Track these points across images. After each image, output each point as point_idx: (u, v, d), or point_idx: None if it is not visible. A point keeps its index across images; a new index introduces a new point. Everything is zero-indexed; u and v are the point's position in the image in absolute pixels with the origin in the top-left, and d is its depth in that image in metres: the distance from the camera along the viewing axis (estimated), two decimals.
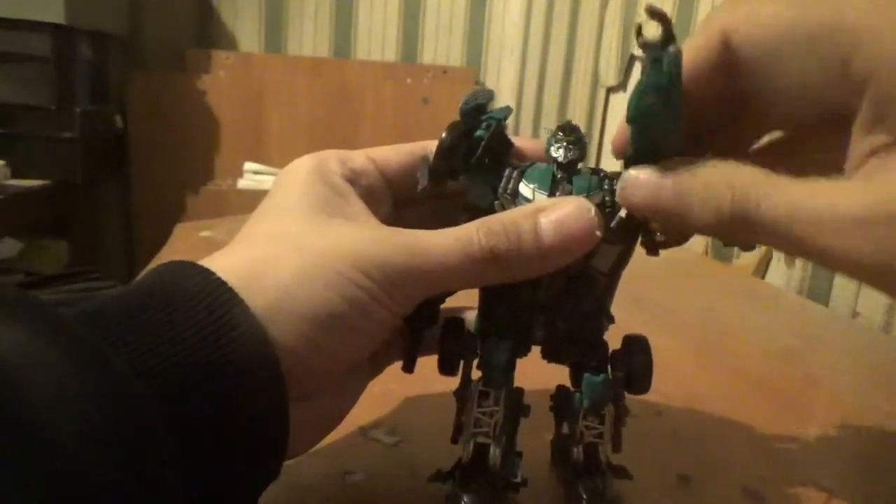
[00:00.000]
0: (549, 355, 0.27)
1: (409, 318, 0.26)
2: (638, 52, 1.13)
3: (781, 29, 0.23)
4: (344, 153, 0.28)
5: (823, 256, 0.22)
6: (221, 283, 0.22)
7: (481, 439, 0.25)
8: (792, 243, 0.22)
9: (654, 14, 0.22)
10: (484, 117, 0.25)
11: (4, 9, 1.26)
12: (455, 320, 0.27)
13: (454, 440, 0.26)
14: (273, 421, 0.22)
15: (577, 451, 0.27)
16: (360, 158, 0.28)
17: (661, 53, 0.22)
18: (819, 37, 0.22)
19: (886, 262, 0.21)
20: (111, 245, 1.78)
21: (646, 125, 0.23)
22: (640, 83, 0.22)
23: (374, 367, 0.29)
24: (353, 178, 0.27)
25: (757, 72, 0.24)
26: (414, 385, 0.31)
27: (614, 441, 0.26)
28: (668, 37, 0.22)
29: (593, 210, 0.24)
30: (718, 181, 0.23)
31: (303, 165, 0.27)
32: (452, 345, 0.27)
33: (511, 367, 0.26)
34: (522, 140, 0.28)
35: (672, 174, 0.23)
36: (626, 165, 0.25)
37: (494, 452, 0.25)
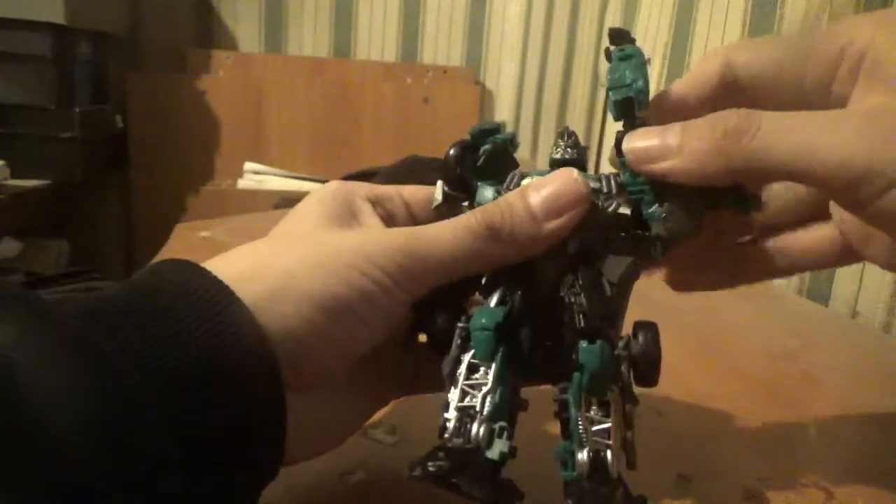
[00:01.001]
0: (557, 375, 0.26)
1: (414, 304, 0.26)
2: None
3: (775, 53, 0.27)
4: (375, 185, 0.30)
5: (815, 155, 0.23)
6: (218, 282, 0.22)
7: (465, 418, 0.23)
8: (788, 153, 0.23)
9: (614, 35, 0.28)
10: (489, 139, 0.28)
11: (4, 9, 1.26)
12: (454, 300, 0.27)
13: (441, 433, 0.24)
14: (270, 418, 0.22)
15: (582, 457, 0.23)
16: (387, 188, 0.30)
17: (624, 46, 0.27)
18: (817, 41, 0.27)
19: (872, 147, 0.23)
20: (111, 245, 1.78)
21: (623, 92, 0.26)
22: (610, 67, 0.27)
23: (378, 398, 0.29)
24: (376, 201, 0.29)
25: (752, 86, 0.27)
26: None
27: (627, 449, 0.24)
28: (628, 41, 0.27)
29: (576, 172, 0.25)
30: (723, 112, 0.25)
31: (328, 186, 0.29)
32: (444, 309, 0.26)
33: (503, 337, 0.24)
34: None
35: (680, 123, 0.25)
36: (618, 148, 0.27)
37: (479, 430, 0.23)
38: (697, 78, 0.28)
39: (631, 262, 0.26)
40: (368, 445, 0.32)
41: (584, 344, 0.24)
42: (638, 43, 0.27)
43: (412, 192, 0.30)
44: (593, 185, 0.26)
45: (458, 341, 0.25)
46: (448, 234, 0.25)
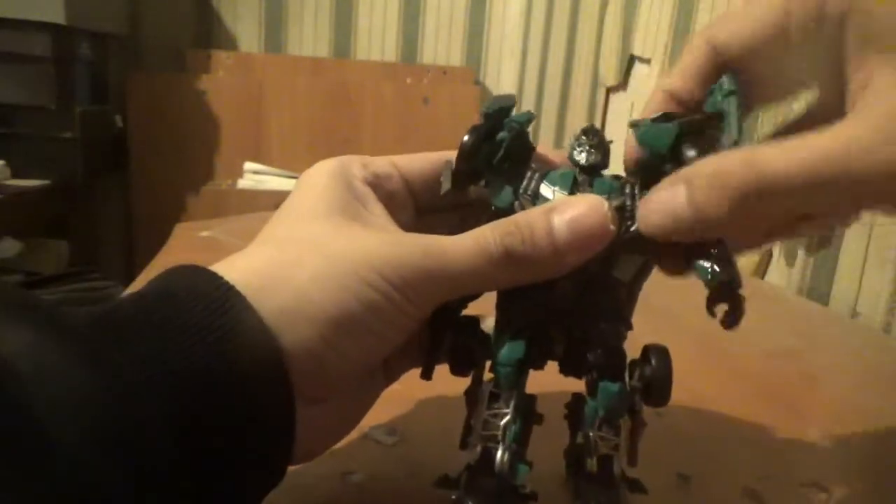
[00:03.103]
0: (567, 369, 0.27)
1: (430, 324, 0.26)
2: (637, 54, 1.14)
3: (756, 18, 0.26)
4: (368, 158, 0.28)
5: (829, 168, 0.21)
6: (229, 288, 0.22)
7: (489, 444, 0.25)
8: (803, 176, 0.21)
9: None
10: (506, 121, 0.26)
11: (4, 9, 1.26)
12: (470, 319, 0.27)
13: (463, 446, 0.25)
14: (278, 426, 0.22)
15: (591, 463, 0.26)
16: (383, 163, 0.28)
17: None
18: (792, 5, 0.25)
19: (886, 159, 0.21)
20: (111, 245, 1.78)
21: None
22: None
23: (388, 375, 0.29)
24: (375, 183, 0.28)
25: (746, 60, 0.26)
26: (414, 385, 0.31)
27: (630, 454, 0.26)
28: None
29: (606, 205, 0.24)
30: (730, 159, 0.23)
31: (325, 168, 0.27)
32: (465, 342, 0.26)
33: (524, 368, 0.25)
34: (546, 149, 0.28)
35: (682, 177, 0.23)
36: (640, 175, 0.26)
37: (502, 457, 0.24)
38: (688, 69, 0.27)
39: (643, 262, 0.25)
40: (368, 445, 0.32)
41: (605, 384, 0.25)
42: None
43: (408, 165, 0.29)
44: (616, 203, 0.24)
45: (478, 366, 0.26)
46: (464, 254, 0.24)
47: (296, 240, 0.25)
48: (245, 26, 1.78)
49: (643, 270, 0.25)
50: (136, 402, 0.19)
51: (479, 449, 0.25)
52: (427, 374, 0.27)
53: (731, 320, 0.23)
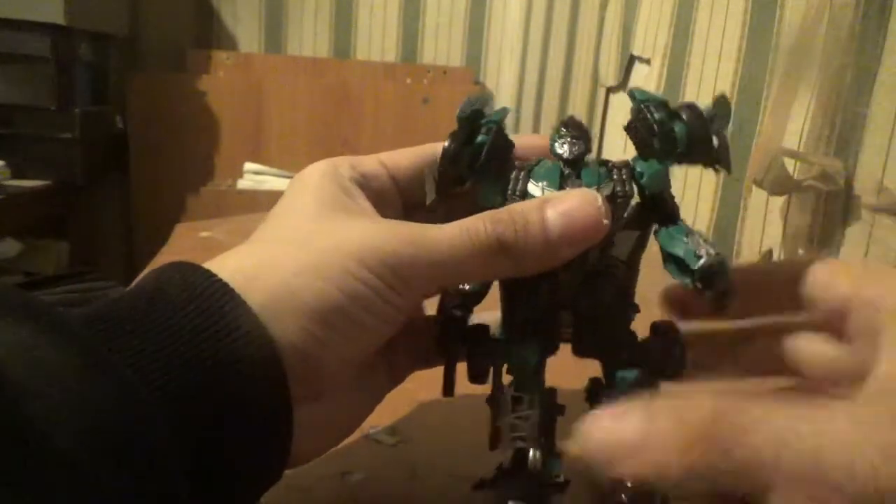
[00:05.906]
0: (581, 351, 0.26)
1: (441, 339, 0.26)
2: (636, 52, 1.14)
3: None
4: (355, 158, 0.28)
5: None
6: (223, 285, 0.22)
7: (520, 444, 0.25)
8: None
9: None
10: (483, 122, 0.25)
11: (4, 9, 1.26)
12: (479, 327, 0.27)
13: (492, 447, 0.26)
14: (276, 422, 0.22)
15: None
16: (370, 162, 0.28)
17: None
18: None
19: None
20: (111, 245, 1.78)
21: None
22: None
23: (393, 376, 0.29)
24: (363, 182, 0.28)
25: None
26: (415, 386, 0.31)
27: None
28: None
29: (600, 199, 0.23)
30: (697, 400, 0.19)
31: (315, 169, 0.27)
32: (480, 352, 0.26)
33: (541, 367, 0.25)
34: (524, 137, 0.28)
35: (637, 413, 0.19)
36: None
37: (534, 455, 0.24)
38: (826, 293, 0.24)
39: (639, 237, 0.25)
40: (368, 445, 0.32)
41: (622, 374, 0.25)
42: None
43: (395, 162, 0.29)
44: (606, 192, 0.24)
45: (495, 371, 0.26)
46: (451, 242, 0.23)
47: (285, 238, 0.25)
48: (245, 26, 1.78)
49: (639, 245, 0.25)
50: (133, 403, 0.19)
51: (510, 451, 0.25)
52: (448, 391, 0.27)
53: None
